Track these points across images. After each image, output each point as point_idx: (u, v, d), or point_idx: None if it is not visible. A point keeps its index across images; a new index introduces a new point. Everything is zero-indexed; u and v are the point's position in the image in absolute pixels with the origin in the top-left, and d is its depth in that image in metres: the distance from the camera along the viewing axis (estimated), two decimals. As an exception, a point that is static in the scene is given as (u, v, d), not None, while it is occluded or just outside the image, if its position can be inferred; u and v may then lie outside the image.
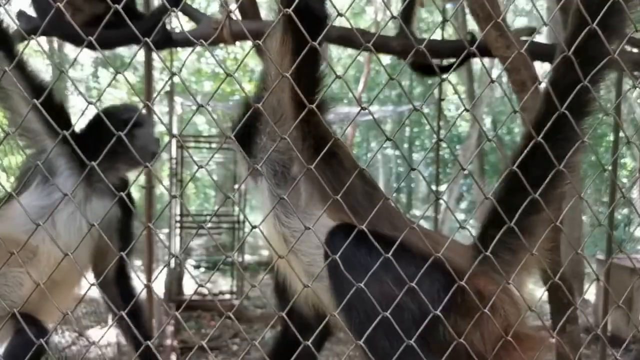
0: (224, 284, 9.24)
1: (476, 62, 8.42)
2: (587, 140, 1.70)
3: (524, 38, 3.21)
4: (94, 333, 5.82)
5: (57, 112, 2.23)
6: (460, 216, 12.85)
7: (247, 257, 10.13)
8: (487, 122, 14.04)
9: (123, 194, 1.50)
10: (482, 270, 1.67)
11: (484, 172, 10.88)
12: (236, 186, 7.46)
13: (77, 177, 2.33)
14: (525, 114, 2.36)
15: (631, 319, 2.25)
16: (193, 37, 1.96)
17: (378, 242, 1.55)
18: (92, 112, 2.43)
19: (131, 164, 2.49)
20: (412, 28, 3.78)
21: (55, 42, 6.58)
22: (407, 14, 3.73)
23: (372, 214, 1.58)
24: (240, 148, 1.76)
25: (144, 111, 2.57)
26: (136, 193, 6.00)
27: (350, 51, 10.92)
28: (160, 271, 4.82)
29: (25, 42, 1.49)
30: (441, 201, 3.32)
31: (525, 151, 1.71)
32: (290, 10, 1.50)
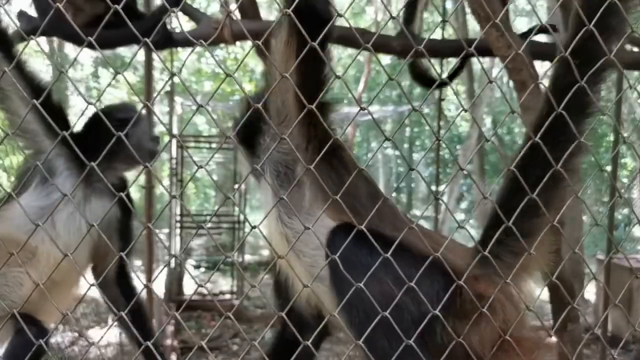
0: (224, 284, 9.25)
1: (476, 62, 8.43)
2: (584, 141, 1.69)
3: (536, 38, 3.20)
4: (95, 333, 5.82)
5: (55, 113, 2.23)
6: (461, 216, 12.85)
7: (247, 257, 10.13)
8: (488, 122, 14.04)
9: (122, 195, 1.50)
10: (485, 274, 1.67)
11: (484, 172, 10.88)
12: (236, 186, 7.47)
13: (76, 177, 2.33)
14: (527, 113, 2.36)
15: (630, 318, 2.25)
16: (193, 37, 1.96)
17: (380, 242, 1.55)
18: (91, 112, 2.43)
19: (129, 163, 2.49)
20: (414, 28, 3.77)
21: (56, 42, 6.57)
22: (410, 14, 3.74)
23: (375, 214, 1.58)
24: (241, 147, 1.76)
25: (139, 109, 2.57)
26: (136, 193, 6.01)
27: (350, 51, 10.91)
28: (161, 271, 4.83)
29: (25, 42, 1.49)
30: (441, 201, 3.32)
31: (522, 152, 1.71)
32: (290, 11, 1.50)
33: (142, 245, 4.85)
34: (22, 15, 3.09)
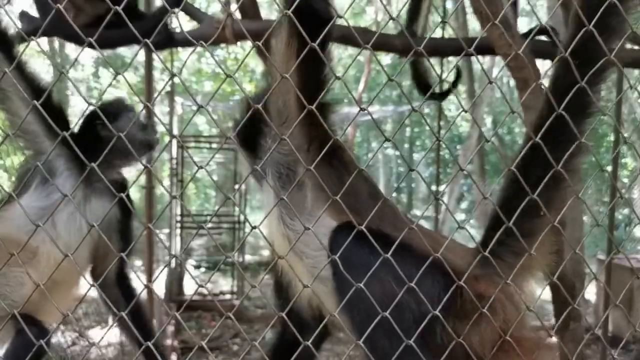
0: (224, 284, 9.25)
1: (477, 62, 8.42)
2: (584, 141, 1.69)
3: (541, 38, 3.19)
4: (95, 333, 5.82)
5: (55, 114, 2.23)
6: (461, 216, 12.84)
7: (248, 258, 10.14)
8: (488, 122, 14.03)
9: (123, 195, 1.50)
10: (485, 274, 1.67)
11: (485, 172, 10.88)
12: (236, 186, 7.47)
13: (76, 177, 2.33)
14: (528, 112, 2.36)
15: (629, 318, 2.25)
16: (195, 37, 1.96)
17: (381, 242, 1.56)
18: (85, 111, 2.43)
19: (127, 159, 2.48)
20: (418, 27, 3.77)
21: (56, 42, 6.58)
22: (414, 13, 3.73)
23: (376, 214, 1.58)
24: (241, 148, 1.76)
25: (127, 103, 2.57)
26: (136, 193, 6.01)
27: (350, 51, 10.92)
28: (161, 271, 4.84)
29: (26, 42, 1.49)
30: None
31: (523, 152, 1.71)
32: (290, 12, 1.50)
33: (142, 246, 4.85)
34: (23, 15, 3.09)
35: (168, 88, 7.34)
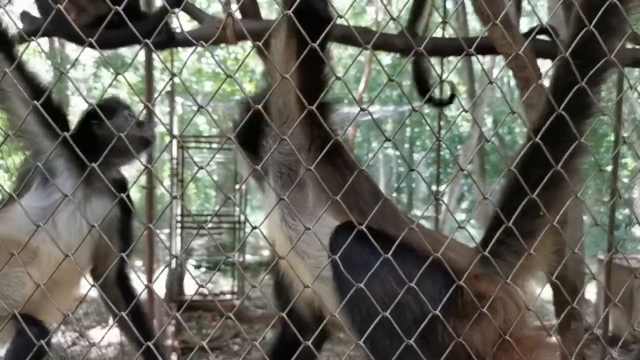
0: (224, 284, 9.25)
1: (477, 62, 8.43)
2: (584, 142, 1.69)
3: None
4: (95, 333, 5.83)
5: (55, 114, 2.23)
6: (462, 216, 12.84)
7: (248, 258, 10.14)
8: (489, 122, 14.02)
9: (123, 196, 1.50)
10: (487, 273, 1.68)
11: (485, 172, 10.87)
12: (237, 186, 7.47)
13: (76, 177, 2.33)
14: (530, 111, 2.37)
15: (628, 318, 2.25)
16: (196, 37, 1.97)
17: (383, 241, 1.56)
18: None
19: (126, 157, 2.47)
20: (420, 27, 3.77)
21: (57, 42, 6.58)
22: (417, 13, 3.73)
23: (378, 214, 1.58)
24: (240, 148, 1.76)
25: (122, 102, 2.56)
26: (137, 193, 6.00)
27: (351, 51, 10.91)
28: (161, 272, 4.83)
29: (27, 43, 1.49)
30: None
31: (524, 152, 1.71)
32: (290, 12, 1.50)
33: (142, 246, 4.85)
34: (25, 15, 3.09)
35: (168, 88, 7.34)
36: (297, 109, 1.71)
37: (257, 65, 12.04)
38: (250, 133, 1.85)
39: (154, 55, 4.30)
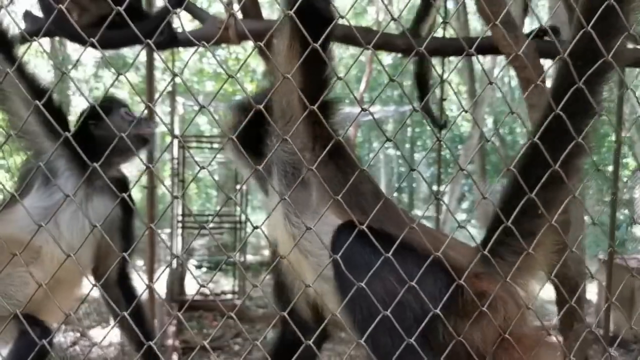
0: (225, 284, 9.25)
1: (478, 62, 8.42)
2: (581, 141, 1.69)
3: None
4: (96, 333, 5.83)
5: (56, 114, 2.23)
6: (462, 216, 12.83)
7: (249, 257, 10.15)
8: (489, 122, 14.01)
9: (125, 195, 1.50)
10: (488, 272, 1.68)
11: (486, 172, 10.87)
12: (238, 186, 7.47)
13: (77, 177, 2.33)
14: (532, 110, 2.37)
15: (627, 317, 2.25)
16: (198, 37, 1.96)
17: (385, 241, 1.56)
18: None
19: (125, 155, 2.47)
20: (423, 27, 3.77)
21: (58, 42, 6.58)
22: (422, 15, 3.74)
23: (380, 213, 1.58)
24: (241, 149, 1.76)
25: (119, 100, 2.56)
26: (138, 193, 6.01)
27: (352, 51, 10.91)
28: (163, 271, 4.83)
29: (28, 43, 1.50)
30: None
31: (525, 152, 1.71)
32: (292, 13, 1.50)
33: (144, 246, 4.86)
34: (27, 15, 3.10)
35: (170, 88, 7.34)
36: (301, 108, 1.71)
37: (258, 65, 12.05)
38: (251, 133, 1.85)
39: (155, 55, 4.31)
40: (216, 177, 9.97)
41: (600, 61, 1.67)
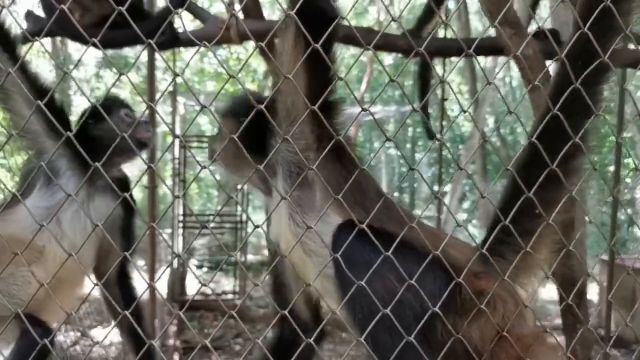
0: (226, 283, 9.26)
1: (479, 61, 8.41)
2: (578, 141, 1.69)
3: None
4: (97, 332, 5.84)
5: (57, 113, 2.24)
6: (463, 216, 12.84)
7: (250, 257, 10.15)
8: (490, 122, 14.01)
9: (126, 195, 1.50)
10: (488, 272, 1.68)
11: (487, 172, 10.86)
12: (239, 186, 7.46)
13: (79, 177, 2.34)
14: (537, 111, 2.37)
15: (624, 316, 2.25)
16: (200, 37, 1.97)
17: (385, 239, 1.56)
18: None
19: (126, 155, 2.47)
20: (426, 30, 3.77)
21: (60, 41, 6.58)
22: (427, 16, 3.74)
23: (382, 212, 1.58)
24: (243, 149, 1.76)
25: (120, 101, 2.56)
26: (139, 193, 6.02)
27: (353, 51, 10.90)
28: (164, 271, 4.84)
29: (30, 43, 1.50)
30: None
31: (526, 152, 1.71)
32: (293, 13, 1.50)
33: (144, 245, 4.86)
34: (29, 15, 3.10)
35: (171, 88, 7.35)
36: (305, 108, 1.71)
37: (259, 65, 12.05)
38: (252, 134, 1.85)
39: (157, 55, 4.31)
40: (217, 177, 9.96)
41: (597, 62, 1.67)
